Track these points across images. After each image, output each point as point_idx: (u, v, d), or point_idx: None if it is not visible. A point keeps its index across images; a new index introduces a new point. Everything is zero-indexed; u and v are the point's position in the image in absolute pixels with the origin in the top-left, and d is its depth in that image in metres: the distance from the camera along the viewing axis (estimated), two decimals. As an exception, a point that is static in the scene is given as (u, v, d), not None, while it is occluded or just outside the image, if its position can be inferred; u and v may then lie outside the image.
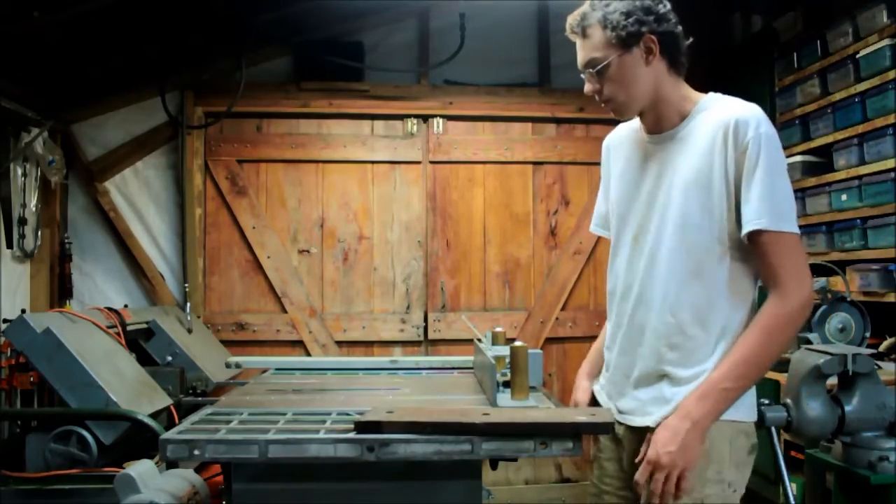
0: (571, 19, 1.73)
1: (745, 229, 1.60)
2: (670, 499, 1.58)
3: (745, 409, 1.67)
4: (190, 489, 1.85)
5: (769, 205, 1.57)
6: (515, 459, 1.56)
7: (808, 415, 2.04)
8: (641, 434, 1.69)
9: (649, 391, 1.71)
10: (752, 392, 1.69)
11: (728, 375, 1.59)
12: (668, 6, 1.70)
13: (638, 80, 1.68)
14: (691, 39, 1.74)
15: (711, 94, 1.74)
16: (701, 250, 1.65)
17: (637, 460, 1.65)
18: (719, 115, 1.65)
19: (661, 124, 1.74)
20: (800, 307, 1.59)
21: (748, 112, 1.63)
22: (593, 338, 2.13)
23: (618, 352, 1.81)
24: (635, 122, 1.83)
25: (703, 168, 1.64)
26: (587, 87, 1.73)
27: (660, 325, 1.69)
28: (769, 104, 3.94)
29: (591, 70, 1.69)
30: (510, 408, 1.72)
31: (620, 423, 1.76)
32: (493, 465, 1.67)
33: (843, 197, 3.39)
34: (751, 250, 1.63)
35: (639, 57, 1.66)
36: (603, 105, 1.74)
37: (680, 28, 1.71)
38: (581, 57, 1.71)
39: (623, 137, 1.88)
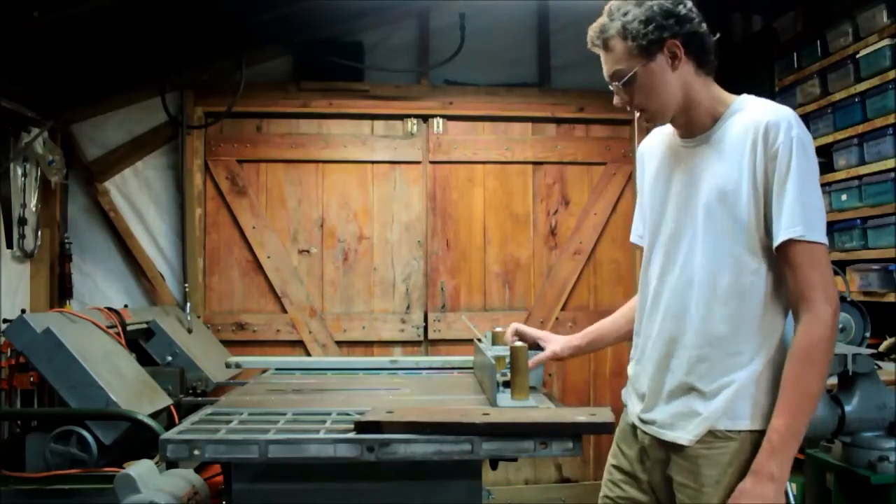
0: (592, 32, 1.67)
1: (779, 239, 1.55)
2: None
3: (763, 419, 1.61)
4: (190, 489, 1.85)
5: (802, 214, 1.53)
6: (515, 459, 1.56)
7: (808, 415, 2.03)
8: (668, 446, 1.68)
9: (678, 404, 1.67)
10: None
11: (790, 419, 1.54)
12: (690, 5, 1.64)
13: (667, 87, 1.63)
14: (718, 35, 1.68)
15: (745, 96, 1.68)
16: (733, 260, 1.61)
17: None
18: (750, 117, 1.60)
19: (693, 128, 1.69)
20: (832, 323, 1.54)
21: (779, 115, 1.57)
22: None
23: (647, 363, 1.75)
24: (668, 127, 1.78)
25: (732, 174, 1.60)
26: (616, 100, 1.69)
27: (692, 336, 1.65)
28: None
29: (617, 83, 1.65)
30: (510, 408, 1.72)
31: (646, 433, 1.74)
32: (493, 466, 1.67)
33: (843, 197, 3.39)
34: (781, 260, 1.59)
35: (664, 63, 1.62)
36: (637, 116, 1.70)
37: (705, 26, 1.65)
38: (606, 70, 1.67)
39: (656, 143, 1.84)
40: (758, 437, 1.58)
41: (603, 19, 1.65)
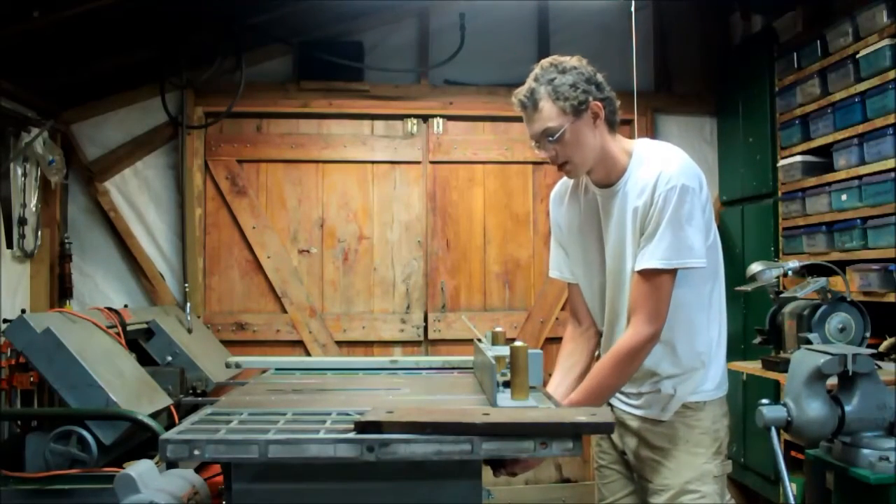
0: (521, 95, 1.91)
1: (639, 266, 1.86)
2: None
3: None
4: (190, 489, 1.85)
5: (663, 250, 1.83)
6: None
7: (808, 415, 2.03)
8: (647, 420, 2.01)
9: (650, 388, 1.99)
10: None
11: (583, 401, 1.86)
12: (602, 77, 1.91)
13: (589, 142, 1.89)
14: (619, 102, 1.95)
15: (640, 144, 1.97)
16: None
17: None
18: (649, 170, 1.88)
19: (610, 177, 1.96)
20: (649, 340, 1.86)
21: (664, 169, 1.85)
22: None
23: None
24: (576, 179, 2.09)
25: (639, 215, 1.89)
26: (543, 154, 1.92)
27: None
28: (769, 104, 3.95)
29: (548, 138, 1.88)
30: (510, 408, 1.72)
31: (623, 411, 2.06)
32: (495, 469, 1.68)
33: (843, 197, 3.39)
34: (700, 274, 1.89)
35: (588, 121, 1.88)
36: (558, 168, 1.94)
37: (613, 93, 1.93)
38: (535, 128, 1.90)
39: (568, 192, 2.11)
40: (716, 401, 1.99)
41: (530, 84, 1.90)
